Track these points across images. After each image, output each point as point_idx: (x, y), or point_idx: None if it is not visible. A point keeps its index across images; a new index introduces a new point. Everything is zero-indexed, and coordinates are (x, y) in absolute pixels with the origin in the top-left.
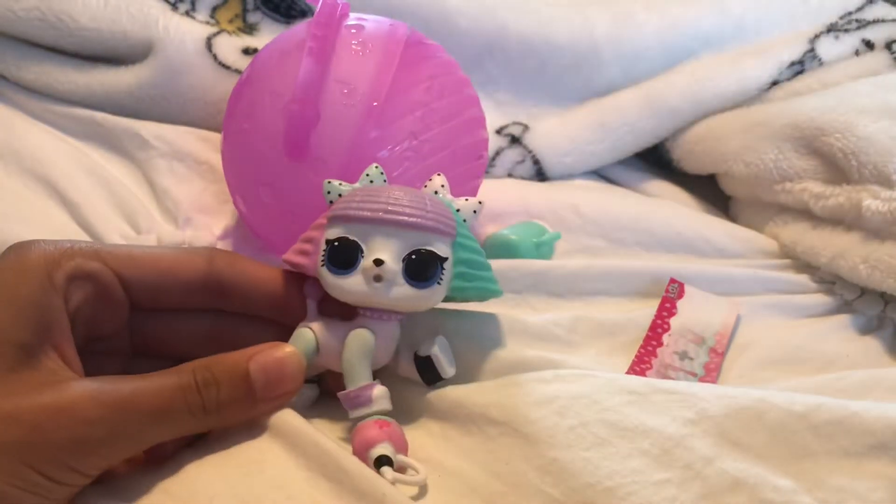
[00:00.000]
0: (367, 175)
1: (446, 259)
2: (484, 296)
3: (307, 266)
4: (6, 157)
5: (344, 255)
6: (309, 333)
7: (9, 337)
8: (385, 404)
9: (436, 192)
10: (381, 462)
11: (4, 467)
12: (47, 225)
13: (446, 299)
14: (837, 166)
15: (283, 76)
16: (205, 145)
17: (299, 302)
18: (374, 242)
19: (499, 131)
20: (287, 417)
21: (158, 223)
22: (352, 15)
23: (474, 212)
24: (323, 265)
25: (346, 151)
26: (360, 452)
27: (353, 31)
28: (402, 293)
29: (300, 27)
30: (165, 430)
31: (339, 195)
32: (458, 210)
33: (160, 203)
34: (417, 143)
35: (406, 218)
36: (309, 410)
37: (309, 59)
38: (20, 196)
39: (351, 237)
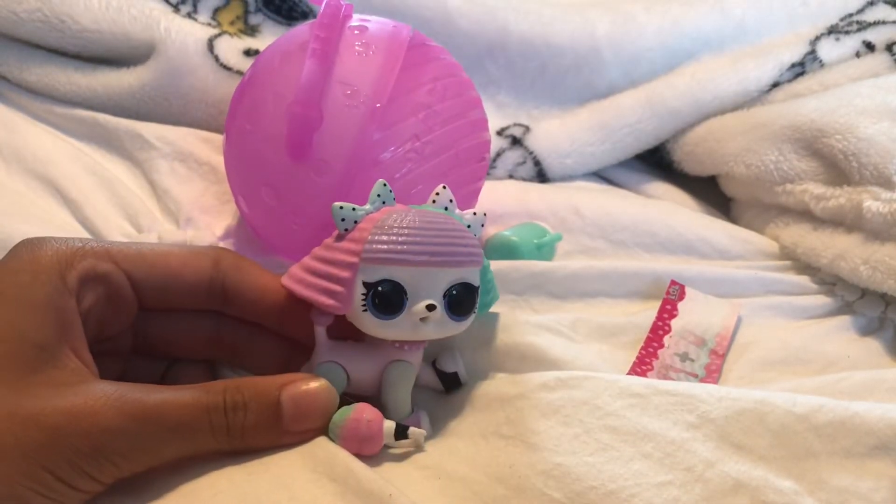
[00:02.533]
0: (379, 196)
1: (478, 287)
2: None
3: (339, 309)
4: (8, 156)
5: (392, 302)
6: (339, 370)
7: (29, 338)
8: (428, 429)
9: (445, 209)
10: (400, 432)
11: (22, 469)
12: (49, 223)
13: None
14: (838, 168)
15: (286, 77)
16: (206, 146)
17: (302, 317)
18: (419, 285)
19: (500, 132)
20: None
21: (160, 222)
22: (355, 16)
23: (482, 225)
24: (365, 311)
25: (348, 153)
26: (370, 433)
27: (357, 32)
28: (444, 328)
29: (303, 28)
30: (186, 448)
31: (355, 221)
32: (468, 226)
33: (161, 203)
34: (420, 145)
35: (450, 258)
36: None
37: (312, 61)
38: (22, 195)
39: (398, 282)
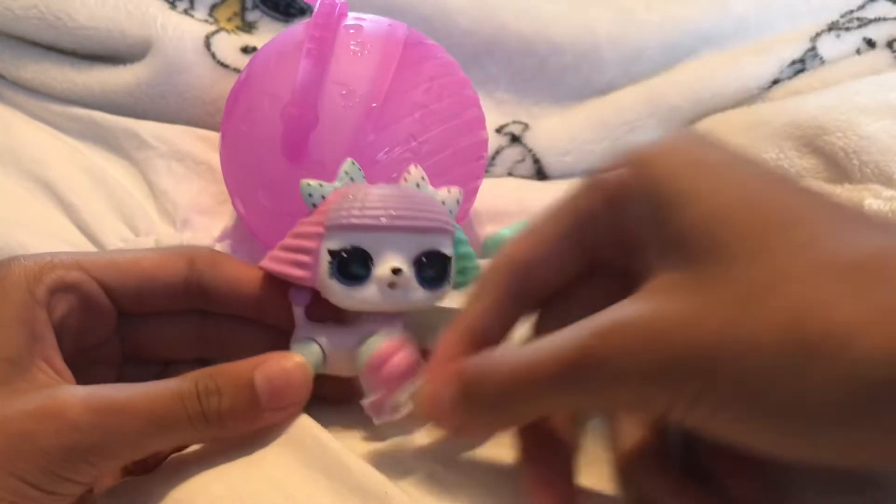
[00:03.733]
0: (347, 173)
1: (449, 258)
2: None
3: (306, 279)
4: (5, 158)
5: (356, 267)
6: (315, 346)
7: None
8: (411, 405)
9: (417, 185)
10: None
11: None
12: (46, 228)
13: None
14: (839, 165)
15: (282, 78)
16: (204, 145)
17: (282, 303)
18: (383, 249)
19: (499, 130)
20: None
21: (157, 225)
22: (350, 14)
23: (457, 202)
24: (332, 278)
25: (344, 154)
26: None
27: (352, 31)
28: (416, 297)
29: (298, 28)
30: (163, 439)
31: (323, 196)
32: (443, 202)
33: (159, 204)
34: (416, 145)
35: (415, 223)
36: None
37: (307, 61)
38: (18, 199)
39: (360, 247)
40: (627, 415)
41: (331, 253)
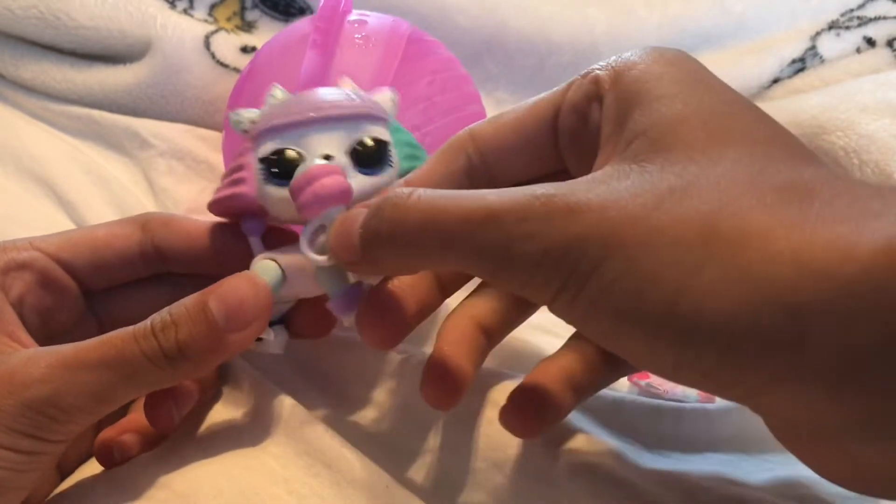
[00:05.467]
0: (273, 96)
1: (389, 142)
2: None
3: (245, 193)
4: (4, 157)
5: (286, 165)
6: (270, 263)
7: None
8: (282, 339)
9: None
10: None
11: None
12: (45, 226)
13: None
14: (839, 164)
15: (287, 69)
16: (204, 144)
17: (242, 250)
18: (313, 144)
19: None
20: (287, 406)
21: None
22: (354, 11)
23: (392, 100)
24: (267, 184)
25: None
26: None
27: (356, 25)
28: (358, 184)
29: (302, 23)
30: (128, 384)
31: (252, 121)
32: (376, 102)
33: (159, 202)
34: (419, 136)
35: (338, 110)
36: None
37: (313, 52)
38: (18, 197)
39: (288, 147)
40: (519, 292)
41: (261, 160)
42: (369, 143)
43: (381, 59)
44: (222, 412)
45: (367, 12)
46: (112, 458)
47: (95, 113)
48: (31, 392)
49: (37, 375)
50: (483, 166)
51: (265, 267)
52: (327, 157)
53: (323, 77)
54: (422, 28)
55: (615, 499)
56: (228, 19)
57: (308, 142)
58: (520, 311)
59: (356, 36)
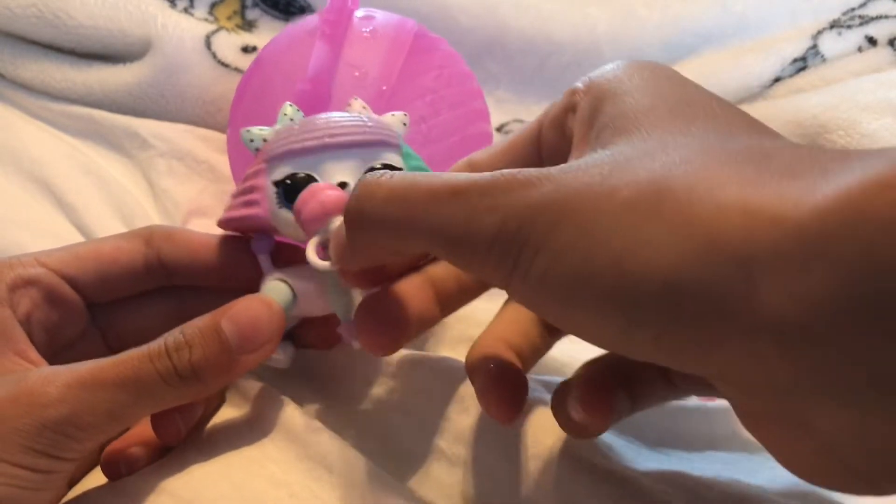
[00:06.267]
0: (285, 114)
1: (401, 169)
2: None
3: (258, 216)
4: (4, 158)
5: (301, 190)
6: (281, 285)
7: None
8: (290, 353)
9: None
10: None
11: None
12: (45, 229)
13: None
14: None
15: (295, 60)
16: (204, 144)
17: (247, 264)
18: (327, 169)
19: (499, 129)
20: (288, 410)
21: None
22: (361, 8)
23: (404, 124)
24: (281, 208)
25: None
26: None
27: (364, 20)
28: None
29: (308, 19)
30: (142, 404)
31: (264, 140)
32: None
33: (159, 203)
34: (426, 128)
35: (353, 137)
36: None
37: (322, 43)
38: (18, 199)
39: (303, 170)
40: (479, 272)
41: (275, 184)
42: (382, 169)
43: (388, 52)
44: (224, 416)
45: (374, 10)
46: (119, 471)
47: (95, 113)
48: (50, 412)
49: (55, 395)
50: None
51: (277, 288)
52: (342, 185)
53: (332, 69)
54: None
55: (618, 497)
56: (229, 18)
57: (323, 168)
58: (546, 335)
59: (364, 29)
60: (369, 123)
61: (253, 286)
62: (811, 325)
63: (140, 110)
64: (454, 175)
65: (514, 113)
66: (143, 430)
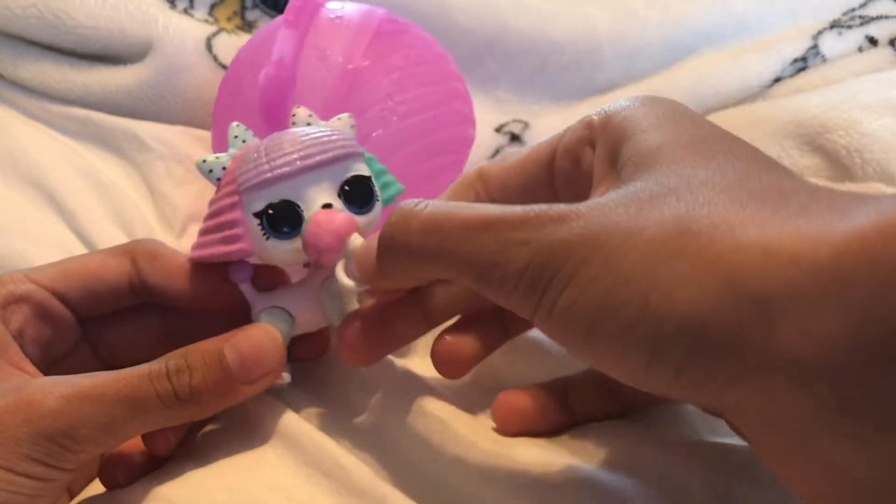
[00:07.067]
0: (237, 136)
1: (369, 177)
2: (396, 197)
3: (243, 250)
4: (3, 162)
5: (287, 218)
6: (280, 312)
7: None
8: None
9: (308, 124)
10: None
11: None
12: (44, 236)
13: None
14: (841, 164)
15: (263, 50)
16: (203, 146)
17: (226, 291)
18: (307, 192)
19: (498, 129)
20: (286, 415)
21: (156, 232)
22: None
23: (350, 126)
24: (268, 238)
25: (320, 114)
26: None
27: (331, 8)
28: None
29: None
30: (137, 421)
31: (223, 168)
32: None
33: (158, 208)
34: (393, 104)
35: (324, 156)
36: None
37: (285, 29)
38: (17, 205)
39: (284, 198)
40: (506, 302)
41: (257, 216)
42: (357, 182)
43: (354, 34)
44: (221, 423)
45: (344, 1)
46: (116, 478)
47: (95, 115)
48: (48, 422)
49: (53, 406)
50: (490, 202)
51: (277, 316)
52: (327, 206)
53: (296, 52)
54: (422, 27)
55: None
56: (229, 19)
57: (304, 193)
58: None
59: (330, 15)
60: (333, 136)
61: (233, 311)
62: (826, 363)
63: (140, 111)
64: (486, 207)
65: (514, 113)
66: (139, 441)
